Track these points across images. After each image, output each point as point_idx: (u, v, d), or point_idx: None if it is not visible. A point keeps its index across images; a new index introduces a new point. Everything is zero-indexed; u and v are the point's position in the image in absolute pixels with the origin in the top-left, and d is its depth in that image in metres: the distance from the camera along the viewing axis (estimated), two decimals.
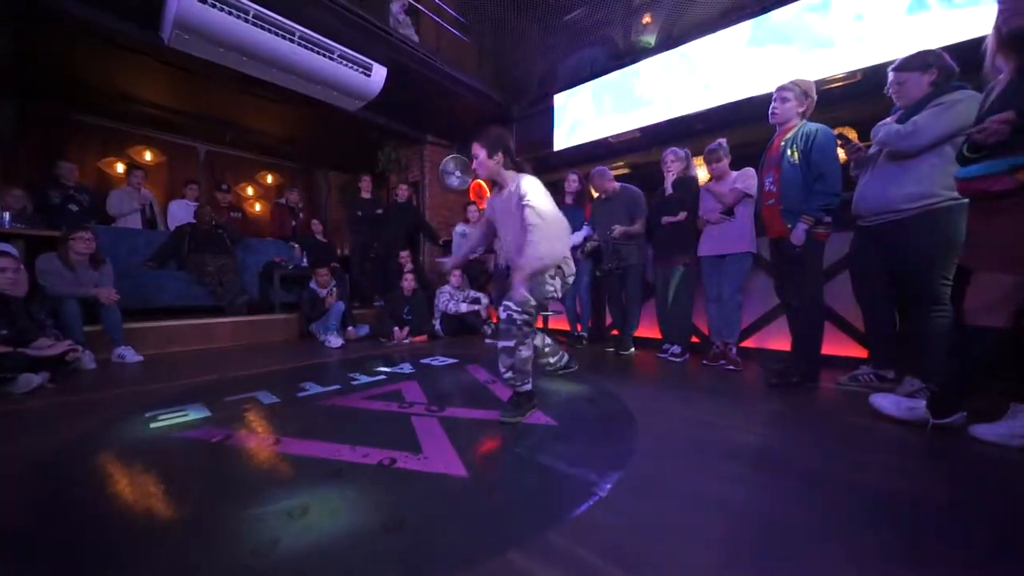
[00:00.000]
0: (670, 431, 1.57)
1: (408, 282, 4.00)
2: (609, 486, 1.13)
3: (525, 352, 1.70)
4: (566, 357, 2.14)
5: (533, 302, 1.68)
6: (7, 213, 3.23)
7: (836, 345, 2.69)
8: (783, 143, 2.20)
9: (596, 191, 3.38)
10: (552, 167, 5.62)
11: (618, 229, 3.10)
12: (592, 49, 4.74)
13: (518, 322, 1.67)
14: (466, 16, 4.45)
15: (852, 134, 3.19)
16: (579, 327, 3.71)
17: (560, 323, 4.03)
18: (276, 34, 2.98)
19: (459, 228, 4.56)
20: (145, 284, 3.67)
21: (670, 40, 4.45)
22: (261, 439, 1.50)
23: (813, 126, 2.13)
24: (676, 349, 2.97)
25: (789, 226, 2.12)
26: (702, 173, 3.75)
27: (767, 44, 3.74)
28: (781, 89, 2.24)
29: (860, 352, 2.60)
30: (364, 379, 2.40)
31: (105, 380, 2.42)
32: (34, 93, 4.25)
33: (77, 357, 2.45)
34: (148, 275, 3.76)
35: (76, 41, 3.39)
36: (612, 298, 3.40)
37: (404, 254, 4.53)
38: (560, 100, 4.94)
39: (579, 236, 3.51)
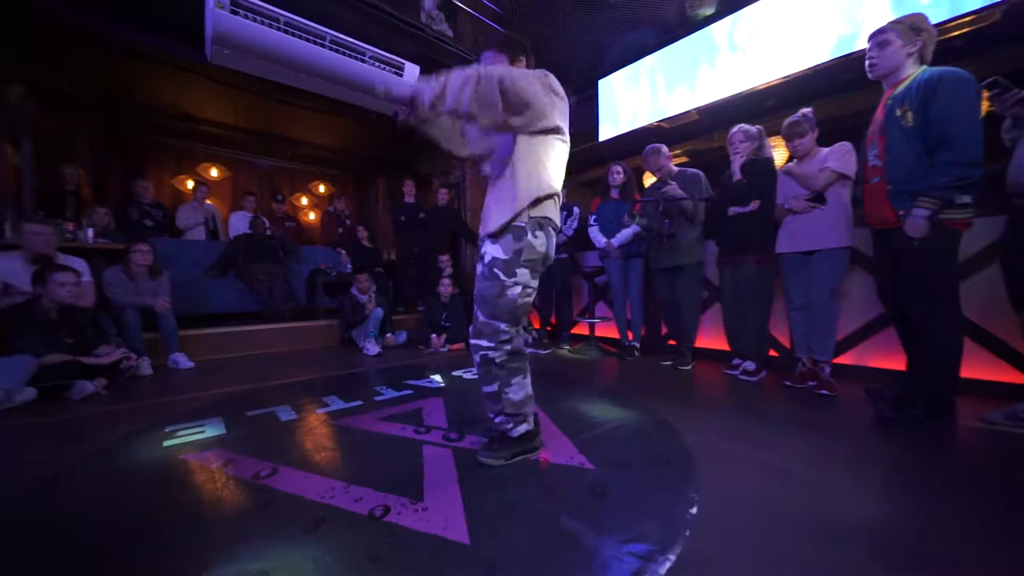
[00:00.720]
0: (743, 489, 1.19)
1: (445, 287, 3.85)
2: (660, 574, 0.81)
3: (515, 395, 1.33)
4: (524, 427, 1.39)
5: (504, 328, 1.29)
6: (91, 230, 3.55)
7: (983, 367, 2.06)
8: (890, 101, 1.67)
9: (651, 172, 2.95)
10: (598, 160, 5.23)
11: (676, 190, 2.69)
12: (640, 27, 4.29)
13: (496, 361, 1.31)
14: (504, 6, 4.22)
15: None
16: (630, 336, 3.31)
17: (609, 330, 3.64)
18: (308, 39, 2.96)
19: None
20: (206, 292, 3.88)
21: (731, 3, 3.87)
22: (259, 467, 1.36)
23: (936, 71, 1.56)
24: (749, 365, 2.48)
25: (901, 212, 1.60)
26: (779, 156, 3.20)
27: None
28: (877, 33, 1.70)
29: (1017, 377, 1.96)
30: (390, 393, 2.24)
31: (157, 387, 2.51)
32: (115, 121, 4.72)
33: (130, 365, 2.57)
34: (208, 283, 3.98)
35: (143, 68, 3.66)
36: (666, 301, 2.96)
37: (444, 258, 4.41)
38: (605, 86, 4.54)
39: (628, 233, 3.13)
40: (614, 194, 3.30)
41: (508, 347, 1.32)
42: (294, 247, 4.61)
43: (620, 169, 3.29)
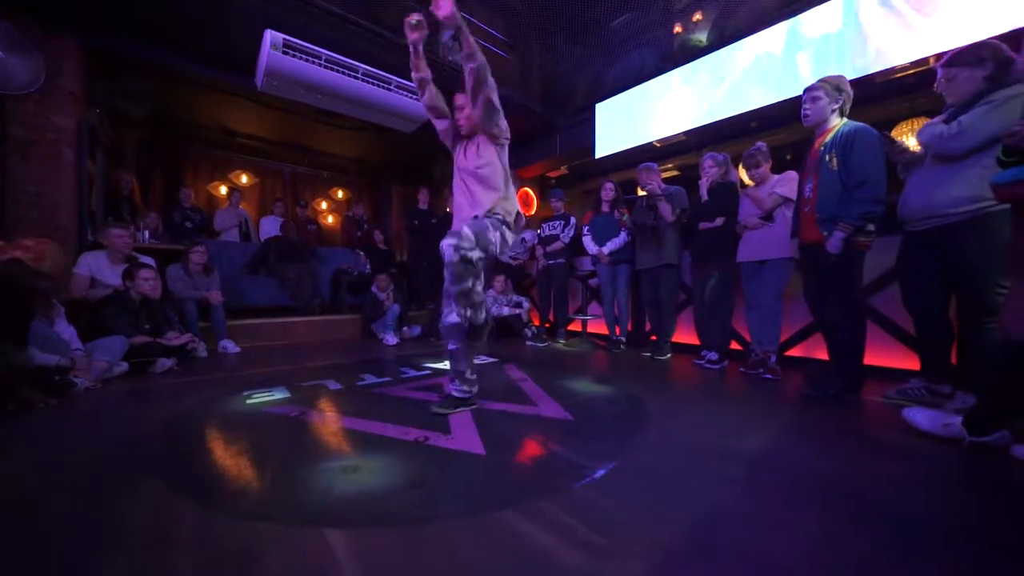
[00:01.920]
0: (679, 433, 1.66)
1: None
2: (603, 471, 1.28)
3: (478, 289, 1.78)
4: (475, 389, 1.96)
5: (473, 238, 1.68)
6: (147, 232, 4.07)
7: (887, 355, 2.53)
8: (821, 147, 2.15)
9: (641, 186, 3.37)
10: (595, 174, 5.71)
11: (655, 188, 3.18)
12: (638, 53, 4.77)
13: (473, 260, 1.68)
14: (509, 35, 4.71)
15: (910, 125, 2.97)
16: (617, 331, 3.78)
17: (599, 327, 4.12)
18: (343, 73, 3.46)
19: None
20: (240, 288, 4.38)
21: (724, 38, 4.35)
22: (327, 416, 1.84)
23: (853, 127, 2.05)
24: (713, 356, 2.95)
25: (825, 234, 2.08)
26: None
27: (820, 35, 3.54)
28: (809, 90, 2.19)
29: (914, 364, 2.42)
30: (412, 373, 2.73)
31: (214, 366, 2.99)
32: (161, 134, 5.25)
33: (195, 347, 3.06)
34: (243, 280, 4.47)
35: (191, 90, 4.18)
36: (649, 301, 3.44)
37: None
38: (602, 108, 5.03)
39: (618, 242, 3.60)
40: (605, 208, 3.78)
41: (478, 251, 1.71)
42: (315, 250, 5.12)
43: (611, 186, 3.78)
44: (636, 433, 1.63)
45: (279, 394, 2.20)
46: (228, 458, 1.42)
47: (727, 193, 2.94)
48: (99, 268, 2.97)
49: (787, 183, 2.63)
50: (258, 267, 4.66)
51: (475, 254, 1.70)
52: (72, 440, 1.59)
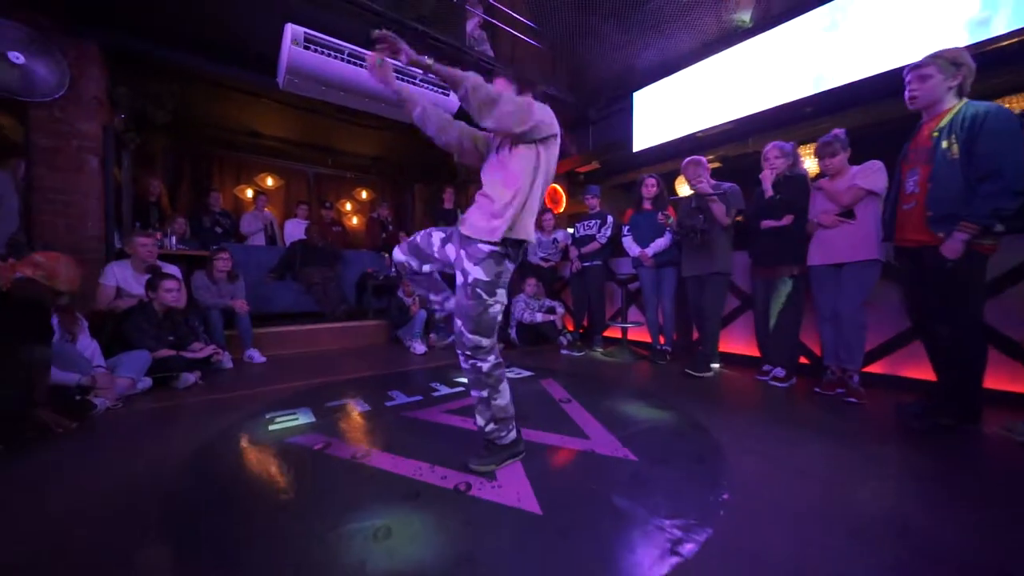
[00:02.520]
0: (769, 482, 1.37)
1: None
2: (695, 548, 1.02)
3: (502, 400, 1.46)
4: (513, 434, 1.52)
5: (486, 343, 1.42)
6: (174, 237, 4.02)
7: (1007, 378, 2.13)
8: (936, 132, 1.77)
9: (689, 182, 2.96)
10: (629, 169, 5.35)
11: (706, 185, 2.79)
12: (679, 38, 4.39)
13: (485, 370, 1.44)
14: (539, 23, 4.42)
15: (1018, 101, 2.53)
16: (662, 340, 3.47)
17: (641, 334, 3.81)
18: (366, 67, 3.26)
19: (534, 236, 4.55)
20: (266, 293, 4.29)
21: (768, 19, 3.94)
22: (354, 450, 1.64)
23: (981, 107, 1.66)
24: (779, 372, 2.61)
25: (941, 235, 1.71)
26: (813, 165, 3.27)
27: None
28: (915, 68, 1.81)
29: None
30: (444, 390, 2.52)
31: (239, 379, 2.87)
32: (187, 139, 5.23)
33: (219, 359, 2.95)
34: (269, 285, 4.39)
35: (215, 92, 4.09)
36: (696, 311, 3.10)
37: None
38: (640, 97, 4.67)
39: (663, 242, 3.28)
40: (647, 205, 3.45)
41: (492, 357, 1.45)
42: (341, 252, 4.99)
43: (653, 181, 3.44)
44: (719, 485, 1.34)
45: (303, 418, 2.02)
46: (243, 514, 1.23)
47: (796, 187, 2.57)
48: (125, 278, 2.89)
49: (870, 174, 2.25)
50: (284, 272, 4.57)
51: (486, 364, 1.45)
52: (79, 480, 1.44)
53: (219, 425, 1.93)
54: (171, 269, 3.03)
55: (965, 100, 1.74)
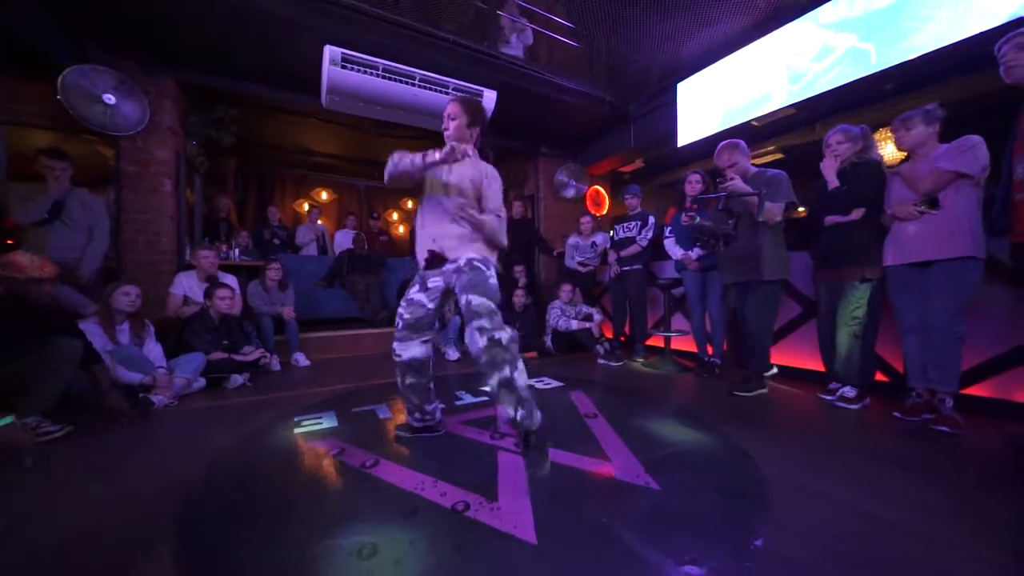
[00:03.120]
0: (821, 528, 1.14)
1: (519, 298, 4.04)
2: None
3: (521, 378, 1.58)
4: (539, 414, 1.64)
5: (493, 306, 1.61)
6: (237, 249, 4.42)
7: None
8: None
9: (722, 169, 2.55)
10: (676, 166, 5.02)
11: (739, 184, 2.36)
12: (725, 19, 4.04)
13: (503, 342, 1.55)
14: (575, 19, 4.30)
15: None
16: (710, 350, 3.16)
17: (687, 344, 3.51)
18: (401, 81, 3.37)
19: (571, 240, 4.42)
20: (315, 300, 4.56)
21: None
22: (365, 458, 1.63)
23: None
24: (848, 391, 2.24)
25: None
26: (893, 152, 2.82)
27: None
28: (1011, 39, 1.52)
29: None
30: (467, 399, 2.47)
31: (283, 381, 3.05)
32: (250, 159, 5.76)
33: (267, 362, 3.16)
34: (319, 292, 4.67)
35: (270, 114, 4.46)
36: (740, 318, 2.71)
37: (519, 268, 4.61)
38: (685, 88, 4.36)
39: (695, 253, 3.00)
40: (690, 204, 3.18)
41: (507, 330, 1.59)
42: (385, 260, 5.19)
43: (698, 177, 3.17)
44: (753, 527, 1.14)
45: (327, 422, 2.08)
46: (246, 522, 1.25)
47: (867, 175, 2.21)
48: (191, 287, 3.21)
49: (958, 154, 1.87)
50: (333, 280, 4.84)
51: (504, 334, 1.59)
52: (115, 476, 1.57)
53: (253, 426, 2.04)
54: (228, 279, 3.31)
55: None
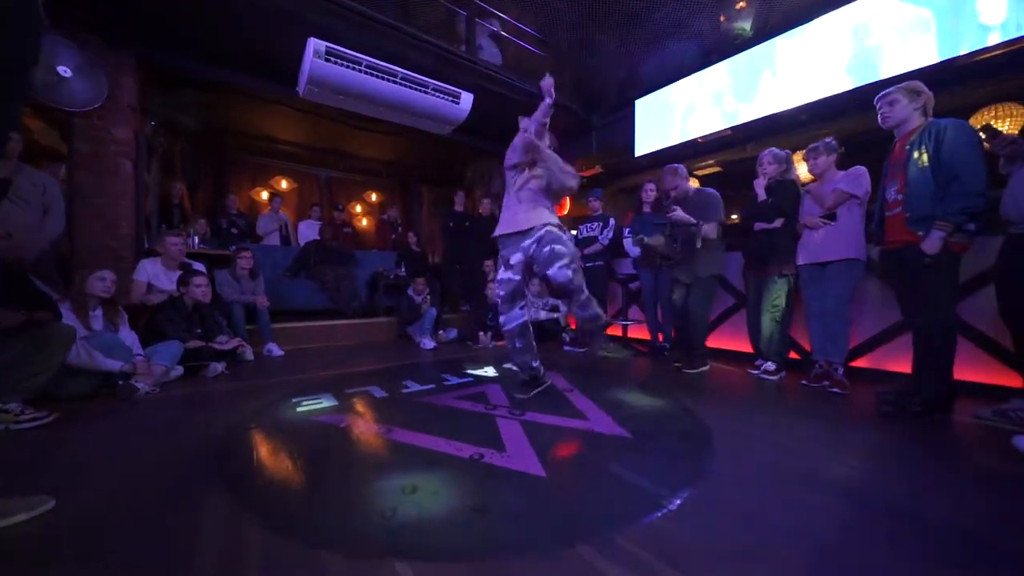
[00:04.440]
0: (751, 456, 1.54)
1: (492, 291, 4.29)
2: (678, 501, 1.19)
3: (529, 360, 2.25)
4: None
5: (569, 250, 2.04)
6: (196, 237, 4.24)
7: (980, 370, 2.29)
8: (908, 145, 1.96)
9: (666, 191, 3.10)
10: (632, 173, 5.52)
11: (677, 213, 2.91)
12: (679, 46, 4.56)
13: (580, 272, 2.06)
14: (545, 34, 4.61)
15: (993, 112, 2.70)
16: (660, 337, 3.63)
17: (640, 332, 3.97)
18: (383, 78, 3.47)
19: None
20: (282, 291, 4.49)
21: (766, 29, 4.12)
22: (378, 428, 1.82)
23: (943, 121, 1.87)
24: (770, 366, 2.76)
25: (920, 233, 1.88)
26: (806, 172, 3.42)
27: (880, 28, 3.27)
28: (883, 96, 2.06)
29: (1013, 381, 2.17)
30: (454, 380, 2.69)
31: (261, 370, 3.06)
32: (209, 144, 5.47)
33: (243, 351, 3.15)
34: (285, 283, 4.59)
35: (238, 100, 4.32)
36: (681, 307, 3.18)
37: (488, 263, 4.85)
38: (642, 104, 4.85)
39: (636, 250, 3.45)
40: (646, 209, 3.63)
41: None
42: (353, 252, 5.20)
43: (652, 187, 3.62)
44: (703, 456, 1.51)
45: (326, 402, 2.21)
46: (289, 473, 1.41)
47: (787, 192, 2.74)
48: (156, 274, 3.10)
49: (852, 179, 2.42)
50: (299, 270, 4.77)
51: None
52: (135, 449, 1.63)
53: (252, 407, 2.12)
54: (198, 266, 3.23)
55: (929, 119, 1.93)
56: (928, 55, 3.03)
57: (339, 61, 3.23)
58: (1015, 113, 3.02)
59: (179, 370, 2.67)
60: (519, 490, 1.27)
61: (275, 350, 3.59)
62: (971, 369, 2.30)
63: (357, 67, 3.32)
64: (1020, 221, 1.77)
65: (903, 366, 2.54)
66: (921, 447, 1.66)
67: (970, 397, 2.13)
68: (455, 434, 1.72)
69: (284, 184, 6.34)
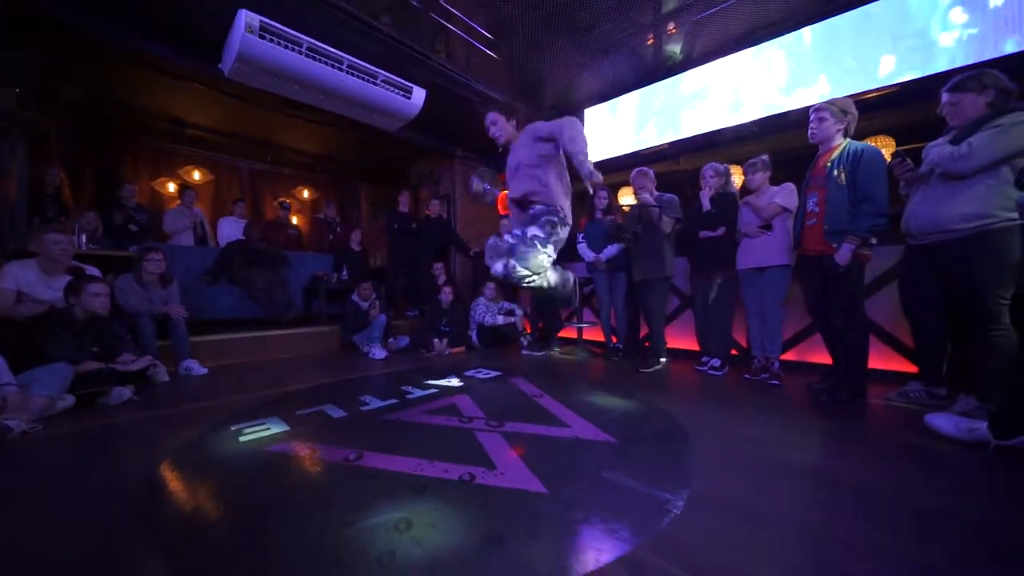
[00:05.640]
0: (728, 450, 1.63)
1: (446, 295, 4.13)
2: (682, 503, 1.20)
3: (554, 275, 2.04)
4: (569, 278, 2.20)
5: (544, 265, 1.93)
6: (84, 235, 3.50)
7: (883, 359, 2.69)
8: (828, 164, 2.23)
9: (636, 190, 3.30)
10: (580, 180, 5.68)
11: (647, 197, 3.14)
12: (623, 62, 4.80)
13: (538, 283, 1.94)
14: (495, 34, 4.56)
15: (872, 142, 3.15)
16: (614, 339, 3.77)
17: (594, 334, 4.09)
18: (326, 63, 3.16)
19: (491, 241, 4.66)
20: (200, 299, 3.89)
21: (694, 57, 4.49)
22: (345, 453, 1.62)
23: (859, 146, 2.16)
24: (716, 362, 3.00)
25: (834, 245, 2.15)
26: (740, 181, 3.79)
27: (803, 59, 3.76)
28: (817, 110, 2.29)
29: (908, 367, 2.59)
30: (417, 392, 2.52)
31: (180, 393, 2.61)
32: (95, 119, 4.56)
33: (156, 371, 2.65)
34: (202, 290, 3.98)
35: (137, 71, 3.65)
36: (643, 308, 3.40)
37: (438, 266, 4.67)
38: (591, 114, 5.02)
39: (615, 248, 3.58)
40: (599, 215, 3.75)
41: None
42: (286, 255, 4.68)
43: (604, 194, 3.74)
44: (688, 454, 1.57)
45: (275, 427, 1.92)
46: (245, 522, 1.18)
47: (729, 203, 2.99)
48: (28, 281, 2.48)
49: (786, 194, 2.72)
50: (219, 275, 4.17)
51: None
52: (19, 512, 1.27)
53: (179, 440, 1.78)
54: (93, 271, 2.67)
55: (848, 140, 2.22)
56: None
57: (275, 39, 2.87)
58: (886, 144, 3.68)
59: (69, 400, 2.15)
60: (526, 512, 1.20)
61: (196, 368, 3.08)
62: (876, 358, 2.70)
63: (297, 48, 2.98)
64: (917, 234, 2.10)
65: (823, 357, 2.90)
66: (860, 428, 1.90)
67: (876, 383, 2.49)
68: (435, 454, 1.59)
69: (197, 175, 5.51)
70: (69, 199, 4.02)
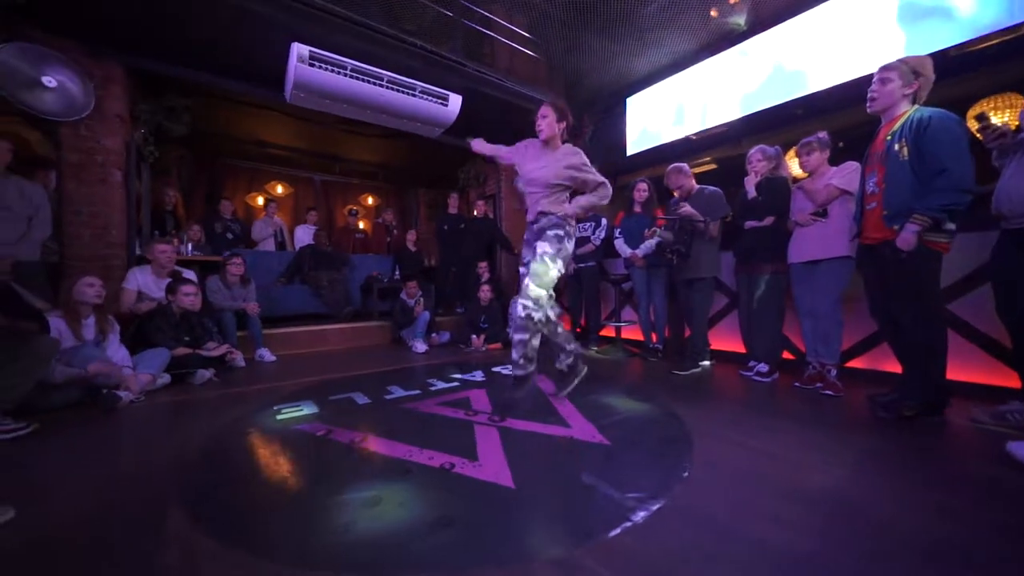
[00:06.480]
0: (731, 464, 1.49)
1: (485, 292, 4.26)
2: (644, 514, 1.15)
3: (536, 341, 2.22)
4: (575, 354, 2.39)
5: (545, 295, 2.11)
6: (190, 244, 4.26)
7: (975, 371, 2.21)
8: (889, 136, 1.89)
9: (672, 190, 3.17)
10: (624, 172, 5.47)
11: (690, 209, 2.92)
12: (671, 43, 4.49)
13: (535, 319, 2.10)
14: (535, 32, 4.57)
15: (993, 103, 2.61)
16: (654, 338, 3.58)
17: (634, 333, 3.92)
18: (369, 82, 3.45)
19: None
20: (276, 296, 4.50)
21: (764, 21, 4.04)
22: (353, 436, 1.80)
23: (927, 111, 1.78)
24: (762, 367, 2.71)
25: (896, 228, 1.80)
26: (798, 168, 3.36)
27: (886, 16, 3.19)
28: (883, 69, 1.92)
29: (1012, 381, 2.10)
30: (440, 385, 2.67)
31: (251, 376, 3.06)
32: (202, 149, 5.49)
33: (233, 358, 3.15)
34: (278, 289, 4.60)
35: (227, 105, 4.33)
36: (685, 308, 3.19)
37: (483, 265, 4.82)
38: (634, 103, 4.80)
39: (651, 244, 3.40)
40: (637, 208, 3.58)
41: (543, 313, 2.19)
42: (348, 256, 5.20)
43: (644, 186, 3.57)
44: (681, 464, 1.47)
45: (307, 409, 2.19)
46: (255, 485, 1.39)
47: (777, 189, 2.68)
48: (145, 283, 3.11)
49: (845, 174, 2.36)
50: (293, 276, 4.78)
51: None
52: (106, 462, 1.62)
53: (231, 416, 2.11)
54: (189, 274, 3.24)
55: (917, 106, 1.85)
56: (925, 45, 2.93)
57: (323, 65, 3.22)
58: (1015, 103, 2.94)
59: (166, 378, 2.67)
60: (487, 503, 1.24)
61: (267, 356, 3.59)
62: (968, 369, 2.23)
63: (342, 71, 3.30)
64: (1013, 216, 1.71)
65: (897, 366, 2.48)
66: (913, 456, 1.60)
67: (969, 398, 2.06)
68: (430, 442, 1.69)
69: (280, 189, 6.36)
70: (182, 215, 4.91)
